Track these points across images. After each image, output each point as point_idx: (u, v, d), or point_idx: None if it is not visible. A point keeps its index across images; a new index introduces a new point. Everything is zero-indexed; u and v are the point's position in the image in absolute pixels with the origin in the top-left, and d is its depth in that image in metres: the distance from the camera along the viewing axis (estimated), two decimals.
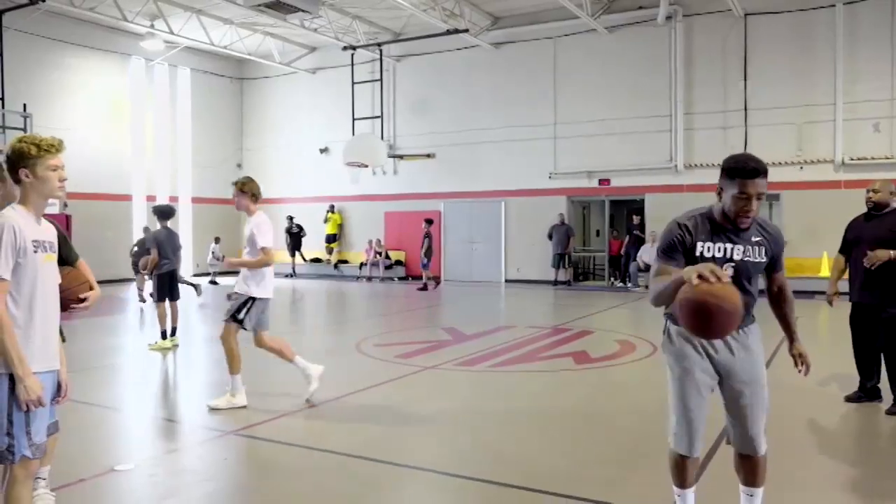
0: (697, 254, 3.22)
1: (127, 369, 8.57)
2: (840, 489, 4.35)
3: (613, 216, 20.39)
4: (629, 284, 18.09)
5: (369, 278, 21.19)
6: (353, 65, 20.83)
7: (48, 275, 3.09)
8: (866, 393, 6.31)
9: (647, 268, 17.74)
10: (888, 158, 16.02)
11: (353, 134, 20.55)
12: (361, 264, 21.63)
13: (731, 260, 3.23)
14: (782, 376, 5.59)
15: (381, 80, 20.79)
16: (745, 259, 3.26)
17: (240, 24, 20.09)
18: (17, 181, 3.08)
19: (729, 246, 3.24)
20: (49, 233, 3.14)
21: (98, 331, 11.05)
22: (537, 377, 7.71)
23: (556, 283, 18.86)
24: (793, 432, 5.46)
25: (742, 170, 3.08)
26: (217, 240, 20.72)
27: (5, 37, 16.80)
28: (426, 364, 8.17)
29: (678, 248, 3.23)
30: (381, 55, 20.66)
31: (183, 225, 22.77)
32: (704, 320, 2.87)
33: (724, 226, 3.22)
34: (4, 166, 3.48)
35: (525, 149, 19.75)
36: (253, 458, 5.14)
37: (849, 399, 6.35)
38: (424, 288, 18.07)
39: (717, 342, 3.33)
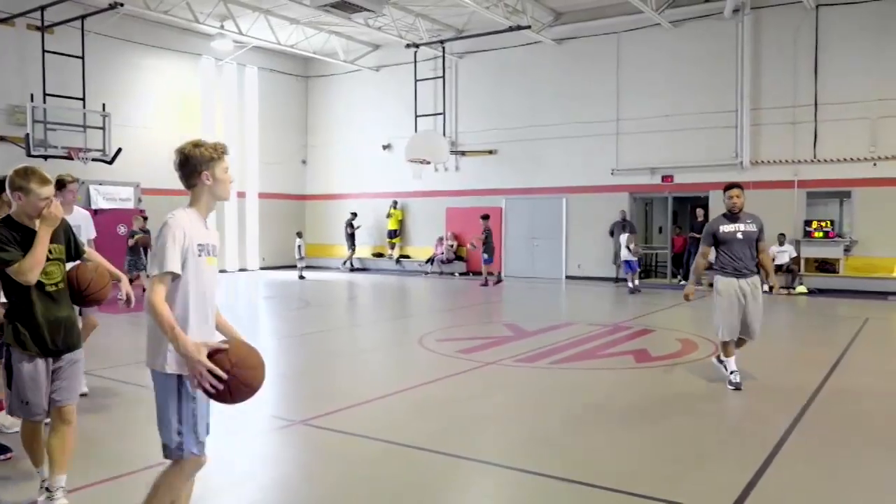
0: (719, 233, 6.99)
1: None
2: None
3: (677, 213, 20.11)
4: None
5: (440, 273, 21.46)
6: (415, 62, 21.03)
7: (208, 278, 3.17)
8: None
9: (710, 266, 17.44)
10: None
11: (416, 131, 20.76)
12: (429, 260, 21.83)
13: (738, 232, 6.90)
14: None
15: (443, 77, 20.93)
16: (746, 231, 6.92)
17: (306, 23, 20.50)
18: (191, 185, 3.17)
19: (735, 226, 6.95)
20: (214, 236, 3.24)
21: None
22: (598, 374, 7.76)
23: (617, 280, 18.73)
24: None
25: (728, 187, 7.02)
26: (300, 234, 21.14)
27: (87, 40, 17.55)
28: (487, 360, 8.30)
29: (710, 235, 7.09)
30: (443, 52, 20.80)
31: (250, 219, 23.44)
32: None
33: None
34: (7, 189, 3.76)
35: (587, 145, 19.65)
36: (319, 447, 5.35)
37: None
38: (486, 284, 18.20)
39: (743, 288, 6.94)
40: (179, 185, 3.21)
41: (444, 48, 20.75)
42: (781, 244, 16.65)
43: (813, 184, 17.01)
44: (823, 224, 16.70)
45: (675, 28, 18.43)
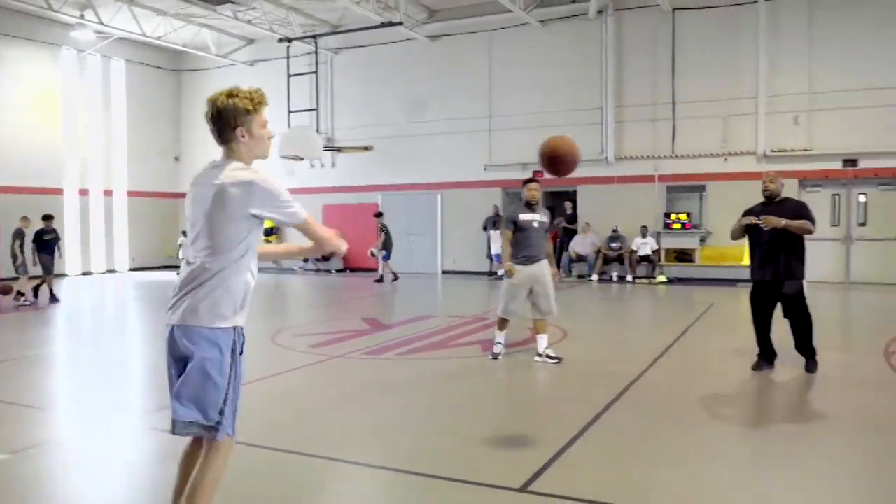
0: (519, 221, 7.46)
1: None
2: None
3: (553, 208, 20.60)
4: (562, 274, 18.36)
5: (316, 270, 21.24)
6: (288, 57, 20.69)
7: (258, 238, 2.98)
8: (765, 362, 7.06)
9: (580, 258, 18.06)
10: (806, 150, 16.55)
11: (289, 127, 20.44)
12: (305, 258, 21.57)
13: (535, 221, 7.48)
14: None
15: (316, 72, 20.69)
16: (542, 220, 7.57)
17: (173, 14, 19.80)
18: (226, 141, 2.89)
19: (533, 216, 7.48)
20: None
21: None
22: (439, 364, 7.84)
23: (490, 274, 19.06)
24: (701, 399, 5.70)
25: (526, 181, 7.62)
26: (185, 233, 20.22)
27: None
28: (335, 353, 8.25)
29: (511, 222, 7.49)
30: (316, 47, 20.57)
31: (118, 218, 22.46)
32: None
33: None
34: None
35: (461, 141, 19.91)
36: (154, 445, 5.17)
37: (755, 368, 7.03)
38: (380, 280, 18.18)
39: (532, 274, 7.38)
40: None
41: (316, 43, 20.52)
42: (644, 236, 17.39)
43: (672, 178, 17.86)
44: (681, 216, 17.56)
45: (543, 27, 18.91)
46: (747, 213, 7.05)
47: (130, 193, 22.85)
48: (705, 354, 8.35)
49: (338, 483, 4.38)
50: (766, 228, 6.63)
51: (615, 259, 17.72)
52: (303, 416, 5.79)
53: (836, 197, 16.70)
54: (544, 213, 7.65)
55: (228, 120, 2.83)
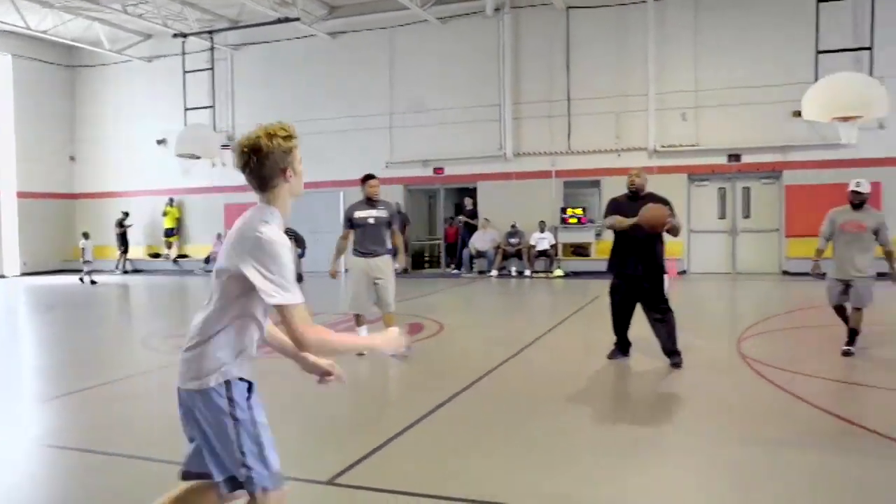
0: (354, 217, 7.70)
1: None
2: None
3: (459, 205, 20.74)
4: (462, 270, 18.49)
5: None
6: (184, 53, 20.20)
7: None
8: (620, 352, 7.30)
9: (479, 254, 18.22)
10: (694, 146, 17.11)
11: (185, 124, 19.97)
12: (207, 258, 21.05)
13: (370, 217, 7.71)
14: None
15: (212, 69, 20.26)
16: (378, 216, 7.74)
17: (60, 7, 19.03)
18: (272, 187, 2.59)
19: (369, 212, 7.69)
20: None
21: None
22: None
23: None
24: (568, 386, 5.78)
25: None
26: (86, 235, 19.28)
27: None
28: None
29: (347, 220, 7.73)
30: (212, 43, 20.14)
31: (6, 220, 21.50)
32: None
33: None
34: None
35: (363, 138, 19.81)
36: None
37: (610, 357, 7.28)
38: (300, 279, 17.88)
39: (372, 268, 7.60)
40: None
41: (212, 39, 20.09)
42: (542, 231, 17.67)
43: (568, 174, 18.19)
44: (577, 211, 17.91)
45: (443, 24, 18.98)
46: (614, 206, 7.10)
47: (21, 195, 21.88)
48: (569, 344, 8.56)
49: (128, 480, 4.27)
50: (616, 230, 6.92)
51: (514, 254, 17.94)
52: (135, 418, 5.64)
53: (723, 190, 17.33)
54: (384, 209, 7.74)
55: (276, 162, 2.57)
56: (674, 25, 17.21)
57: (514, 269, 17.81)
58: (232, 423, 2.59)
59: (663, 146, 17.31)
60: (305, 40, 20.12)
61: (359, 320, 7.78)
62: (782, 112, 16.29)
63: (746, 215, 17.19)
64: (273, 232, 2.51)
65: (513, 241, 17.99)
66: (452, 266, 19.20)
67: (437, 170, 19.25)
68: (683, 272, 17.01)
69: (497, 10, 18.38)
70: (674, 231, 6.67)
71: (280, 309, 2.48)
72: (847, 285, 7.28)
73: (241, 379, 2.64)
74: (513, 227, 18.05)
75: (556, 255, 17.81)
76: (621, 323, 7.19)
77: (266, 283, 2.46)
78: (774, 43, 16.38)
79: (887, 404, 5.70)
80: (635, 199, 6.96)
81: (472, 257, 18.34)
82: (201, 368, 2.58)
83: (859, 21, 15.69)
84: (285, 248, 2.50)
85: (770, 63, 16.37)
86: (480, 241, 18.24)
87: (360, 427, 5.26)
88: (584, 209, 17.95)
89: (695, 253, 17.44)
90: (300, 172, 2.64)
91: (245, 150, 2.55)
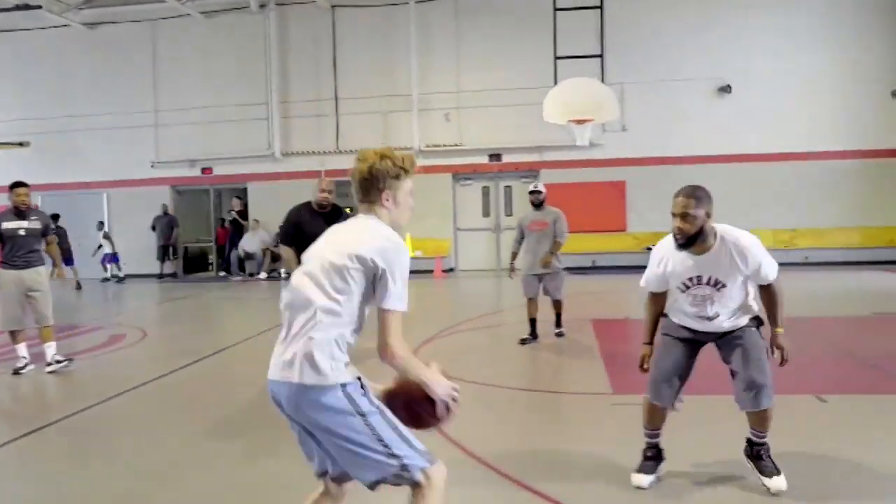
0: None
1: None
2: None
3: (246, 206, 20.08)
4: (232, 273, 17.98)
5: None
6: None
7: None
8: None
9: (248, 256, 17.77)
10: (457, 145, 17.56)
11: None
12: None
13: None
14: None
15: None
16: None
17: None
18: (369, 202, 2.58)
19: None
20: None
21: None
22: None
23: (161, 276, 18.20)
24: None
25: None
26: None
27: None
28: None
29: None
30: None
31: None
32: None
33: None
34: None
35: (126, 137, 18.73)
36: None
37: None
38: (79, 287, 16.52)
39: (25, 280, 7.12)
40: None
41: None
42: None
43: (338, 174, 18.00)
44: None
45: (207, 19, 18.32)
46: (295, 217, 7.03)
47: None
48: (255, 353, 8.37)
49: None
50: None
51: None
52: None
53: (486, 189, 17.91)
54: (35, 219, 7.32)
55: (377, 180, 2.60)
56: (436, 27, 17.56)
57: (283, 271, 17.49)
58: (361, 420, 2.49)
59: (428, 146, 17.62)
60: (58, 30, 18.73)
61: (15, 337, 7.30)
62: (536, 114, 16.90)
63: (509, 213, 17.84)
64: (400, 243, 2.59)
65: None
66: (222, 270, 18.63)
67: (206, 170, 18.58)
68: (451, 270, 17.43)
69: (262, 6, 17.95)
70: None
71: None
72: (540, 279, 8.16)
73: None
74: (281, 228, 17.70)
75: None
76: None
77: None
78: (523, 48, 17.11)
79: None
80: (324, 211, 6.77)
81: (241, 259, 17.85)
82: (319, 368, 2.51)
83: (591, 30, 16.65)
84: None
85: (521, 67, 17.06)
86: (249, 243, 17.79)
87: None
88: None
89: (461, 251, 17.92)
90: (404, 204, 2.68)
91: (360, 163, 2.64)
